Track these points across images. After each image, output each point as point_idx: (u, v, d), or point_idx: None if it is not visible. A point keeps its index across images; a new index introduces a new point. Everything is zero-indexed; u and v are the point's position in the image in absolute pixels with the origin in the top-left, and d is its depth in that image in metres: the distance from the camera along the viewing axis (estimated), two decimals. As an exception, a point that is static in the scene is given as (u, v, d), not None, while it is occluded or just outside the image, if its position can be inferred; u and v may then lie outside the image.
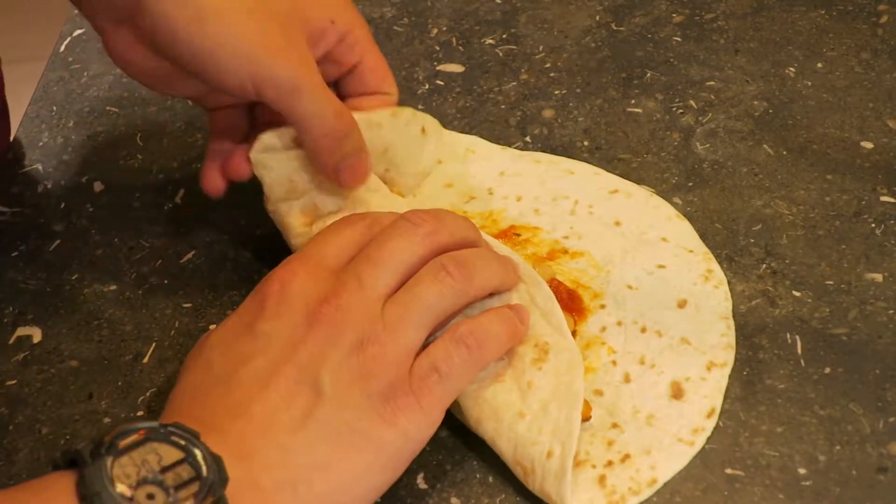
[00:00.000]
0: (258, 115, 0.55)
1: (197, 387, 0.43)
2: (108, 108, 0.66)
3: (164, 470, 0.37)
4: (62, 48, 0.72)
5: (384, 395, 0.41)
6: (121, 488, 0.36)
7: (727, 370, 0.48)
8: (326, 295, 0.43)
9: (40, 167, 0.63)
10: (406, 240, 0.45)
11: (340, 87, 0.54)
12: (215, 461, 0.38)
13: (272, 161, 0.52)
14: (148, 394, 0.50)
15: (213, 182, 0.54)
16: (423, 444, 0.42)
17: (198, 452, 0.37)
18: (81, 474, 0.36)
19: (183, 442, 0.38)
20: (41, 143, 0.64)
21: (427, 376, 0.42)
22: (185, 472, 0.37)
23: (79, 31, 0.73)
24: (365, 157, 0.51)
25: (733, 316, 0.50)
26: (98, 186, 0.61)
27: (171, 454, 0.37)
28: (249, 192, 0.60)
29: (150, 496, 0.36)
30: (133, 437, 0.37)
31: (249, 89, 0.47)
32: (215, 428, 0.40)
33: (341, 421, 0.41)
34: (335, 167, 0.50)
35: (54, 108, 0.67)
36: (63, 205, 0.60)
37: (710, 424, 0.46)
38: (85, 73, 0.69)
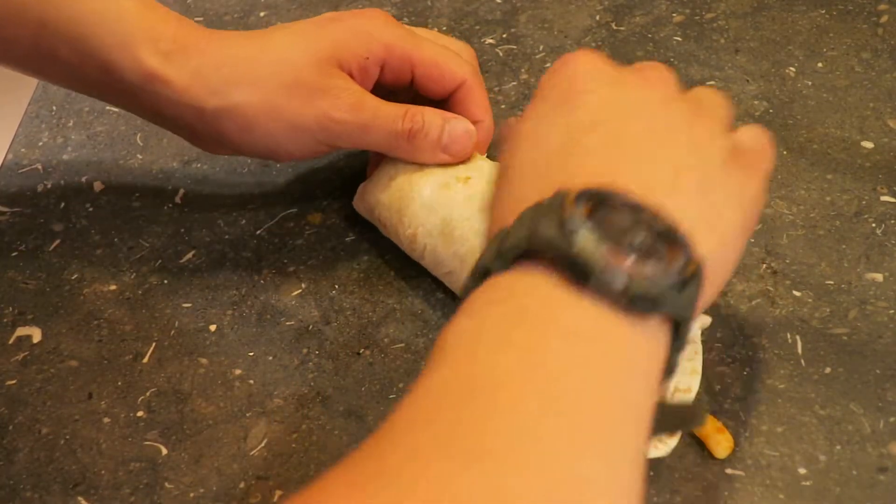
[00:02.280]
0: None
1: (600, 146, 0.39)
2: (107, 107, 0.66)
3: (632, 233, 0.34)
4: (62, 48, 0.72)
5: (733, 152, 0.40)
6: (615, 261, 0.33)
7: (690, 396, 0.45)
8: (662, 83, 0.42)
9: (40, 167, 0.63)
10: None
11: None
12: (664, 212, 0.35)
13: (385, 198, 0.53)
14: (148, 394, 0.50)
15: None
16: (758, 211, 0.41)
17: (649, 210, 0.35)
18: (566, 257, 0.33)
19: (625, 200, 0.35)
20: (41, 143, 0.64)
21: (747, 150, 0.41)
22: (646, 230, 0.35)
23: (78, 31, 0.73)
24: (458, 124, 0.52)
25: (733, 316, 0.50)
26: (98, 186, 0.61)
27: (622, 216, 0.35)
28: (249, 192, 0.60)
29: (642, 261, 0.34)
30: (586, 208, 0.34)
31: (325, 150, 0.52)
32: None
33: (712, 172, 0.39)
34: (444, 150, 0.51)
35: (54, 107, 0.67)
36: (63, 205, 0.60)
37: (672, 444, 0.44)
38: (85, 73, 0.69)
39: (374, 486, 0.30)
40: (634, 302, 0.33)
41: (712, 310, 0.50)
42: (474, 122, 0.53)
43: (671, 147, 0.39)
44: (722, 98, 0.43)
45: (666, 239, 0.35)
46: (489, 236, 0.40)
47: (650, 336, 0.35)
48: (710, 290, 0.37)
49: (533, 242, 0.34)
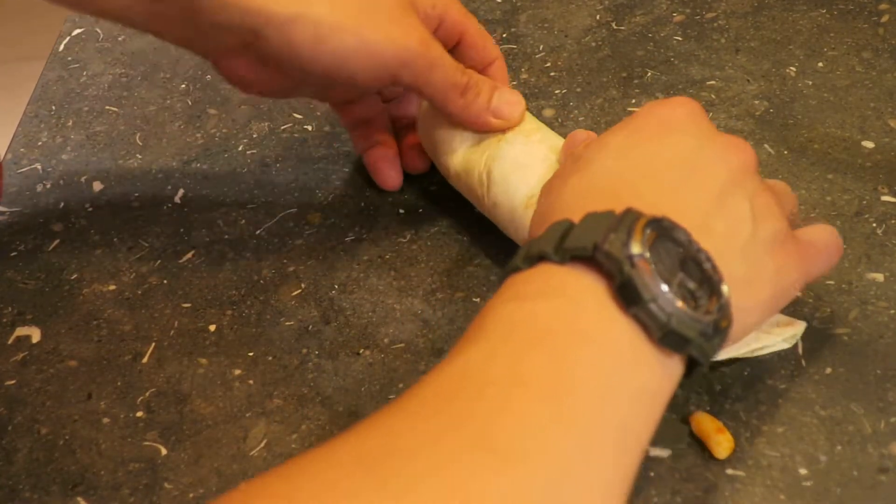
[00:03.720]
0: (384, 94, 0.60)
1: (655, 183, 0.41)
2: (107, 107, 0.66)
3: (682, 270, 0.36)
4: (61, 47, 0.72)
5: (784, 238, 0.42)
6: (668, 294, 0.35)
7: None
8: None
9: (39, 167, 0.63)
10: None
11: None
12: (710, 259, 0.37)
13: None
14: (147, 394, 0.50)
15: (390, 179, 0.59)
16: (789, 296, 0.43)
17: (699, 253, 0.37)
18: (623, 279, 0.35)
19: (681, 238, 0.37)
20: (40, 143, 0.64)
21: (805, 242, 0.43)
22: (693, 270, 0.37)
23: (78, 31, 0.73)
24: (507, 90, 0.53)
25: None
26: (97, 186, 0.61)
27: (674, 251, 0.37)
28: (249, 192, 0.60)
29: (686, 300, 0.36)
30: (650, 236, 0.36)
31: (385, 80, 0.51)
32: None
33: (757, 248, 0.40)
34: (493, 114, 0.52)
35: (53, 107, 0.67)
36: (62, 204, 0.60)
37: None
38: (84, 73, 0.69)
39: (385, 468, 0.31)
40: (667, 337, 0.35)
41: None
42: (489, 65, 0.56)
43: (733, 207, 0.40)
44: (790, 192, 0.46)
45: (709, 287, 0.37)
46: (544, 215, 0.41)
47: (672, 372, 0.36)
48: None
49: (597, 253, 0.36)
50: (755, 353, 0.46)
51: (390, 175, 0.58)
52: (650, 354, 0.36)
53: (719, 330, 0.37)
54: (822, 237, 0.45)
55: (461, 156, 0.54)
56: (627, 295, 0.35)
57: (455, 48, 0.56)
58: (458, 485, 0.31)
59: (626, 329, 0.35)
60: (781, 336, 0.46)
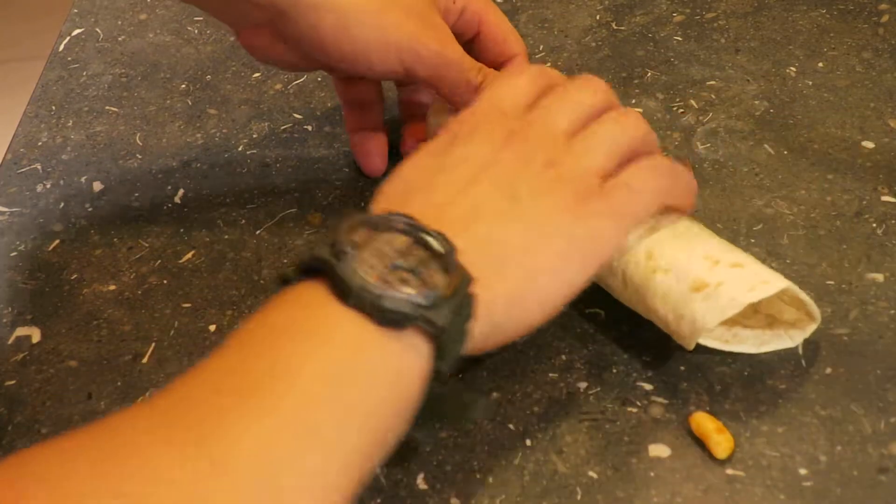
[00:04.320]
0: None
1: (395, 195, 0.44)
2: (107, 107, 0.66)
3: (402, 255, 0.39)
4: (61, 48, 0.72)
5: (576, 198, 0.44)
6: (374, 279, 0.37)
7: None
8: (513, 128, 0.46)
9: (39, 167, 0.63)
10: (583, 91, 0.48)
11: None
12: (442, 237, 0.40)
13: None
14: (147, 394, 0.50)
15: (374, 165, 0.60)
16: (611, 250, 0.45)
17: (423, 234, 0.39)
18: (333, 275, 0.38)
19: (403, 226, 0.39)
20: (40, 143, 0.64)
21: (616, 188, 0.45)
22: (418, 252, 0.39)
23: (78, 31, 0.73)
24: None
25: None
26: (97, 186, 0.61)
27: (398, 240, 0.39)
28: (249, 192, 0.60)
29: (403, 280, 0.38)
30: (363, 233, 0.39)
31: (400, 73, 0.52)
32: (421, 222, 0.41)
33: (537, 216, 0.43)
34: None
35: (53, 107, 0.67)
36: (62, 205, 0.60)
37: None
38: (84, 73, 0.69)
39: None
40: (385, 317, 0.37)
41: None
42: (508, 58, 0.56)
43: (477, 189, 0.43)
44: (621, 129, 0.47)
45: (438, 264, 0.39)
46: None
47: (406, 348, 0.38)
48: (503, 318, 0.42)
49: (311, 260, 0.39)
50: (761, 349, 0.47)
51: (374, 162, 0.59)
52: (381, 337, 0.37)
53: (443, 299, 0.38)
54: (640, 176, 0.46)
55: None
56: (339, 289, 0.37)
57: (474, 39, 0.56)
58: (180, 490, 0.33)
59: (351, 319, 0.37)
60: (789, 334, 0.47)
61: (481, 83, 0.53)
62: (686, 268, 0.46)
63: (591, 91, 0.48)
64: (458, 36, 0.55)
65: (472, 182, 0.43)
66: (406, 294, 0.37)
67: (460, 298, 0.39)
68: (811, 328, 0.47)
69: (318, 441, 0.35)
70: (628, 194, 0.45)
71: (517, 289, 0.42)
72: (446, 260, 0.39)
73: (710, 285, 0.45)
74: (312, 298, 0.38)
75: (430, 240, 0.39)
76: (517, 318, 0.42)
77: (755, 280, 0.45)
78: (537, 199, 0.43)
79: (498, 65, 0.56)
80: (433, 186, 0.43)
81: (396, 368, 0.38)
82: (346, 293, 0.37)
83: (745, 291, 0.45)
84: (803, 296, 0.46)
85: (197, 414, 0.35)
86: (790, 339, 0.48)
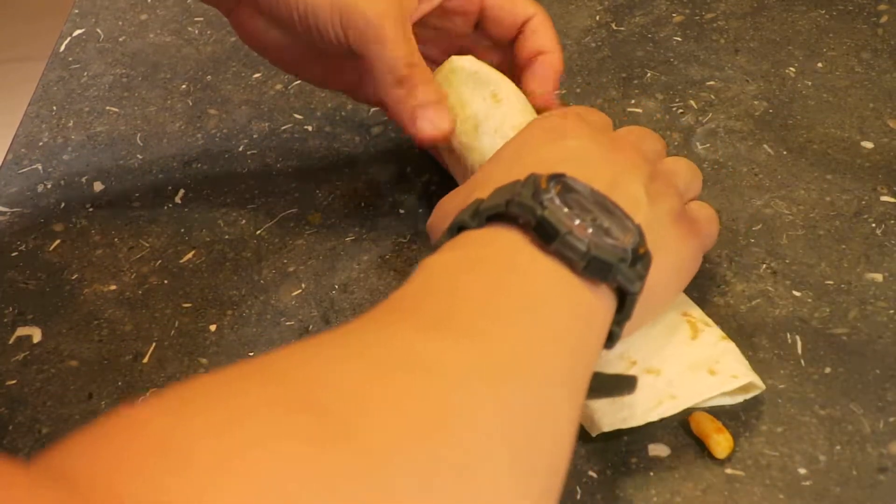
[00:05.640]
0: None
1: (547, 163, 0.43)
2: (107, 107, 0.66)
3: (599, 208, 0.39)
4: (62, 48, 0.72)
5: (679, 214, 0.45)
6: (579, 231, 0.37)
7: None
8: (613, 137, 0.47)
9: (40, 167, 0.63)
10: (650, 137, 0.49)
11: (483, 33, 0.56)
12: (612, 202, 0.40)
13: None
14: (148, 394, 0.50)
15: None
16: (693, 268, 0.46)
17: (604, 199, 0.40)
18: (538, 220, 0.37)
19: (588, 189, 0.40)
20: (41, 143, 0.64)
21: (696, 219, 0.46)
22: (611, 209, 0.39)
23: (79, 31, 0.73)
24: (442, 111, 0.50)
25: (733, 316, 0.50)
26: (98, 186, 0.61)
27: (587, 197, 0.39)
28: (249, 192, 0.60)
29: (606, 231, 0.38)
30: (558, 186, 0.39)
31: (341, 35, 0.50)
32: None
33: (652, 221, 0.42)
34: (410, 117, 0.50)
35: (54, 107, 0.67)
36: (63, 205, 0.60)
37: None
38: (85, 73, 0.69)
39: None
40: (590, 266, 0.37)
41: (713, 310, 0.50)
42: (544, 53, 0.54)
43: (625, 189, 0.43)
44: (688, 168, 0.49)
45: (621, 224, 0.39)
46: (463, 206, 0.42)
47: (600, 301, 0.38)
48: (641, 312, 0.41)
49: (510, 206, 0.38)
50: (706, 403, 0.46)
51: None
52: (578, 286, 0.38)
53: (639, 256, 0.38)
54: (704, 213, 0.48)
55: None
56: (545, 233, 0.37)
57: (479, 24, 0.55)
58: (408, 349, 0.33)
59: (550, 265, 0.37)
60: (733, 389, 0.45)
61: (407, 77, 0.50)
62: (601, 364, 0.43)
63: (656, 137, 0.49)
64: (462, 14, 0.54)
65: (616, 180, 0.43)
66: (611, 243, 0.37)
67: (646, 261, 0.39)
68: (753, 392, 0.46)
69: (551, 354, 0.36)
70: (709, 225, 0.47)
71: (655, 296, 0.43)
72: (629, 227, 0.39)
73: None
74: (507, 244, 0.38)
75: (612, 206, 0.39)
76: (646, 314, 0.43)
77: (664, 394, 0.44)
78: (654, 208, 0.43)
79: (516, 34, 0.54)
80: (585, 175, 0.42)
81: (587, 319, 0.38)
82: (551, 237, 0.37)
83: (649, 409, 0.44)
84: (730, 386, 0.45)
85: (427, 302, 0.35)
86: (730, 397, 0.46)
